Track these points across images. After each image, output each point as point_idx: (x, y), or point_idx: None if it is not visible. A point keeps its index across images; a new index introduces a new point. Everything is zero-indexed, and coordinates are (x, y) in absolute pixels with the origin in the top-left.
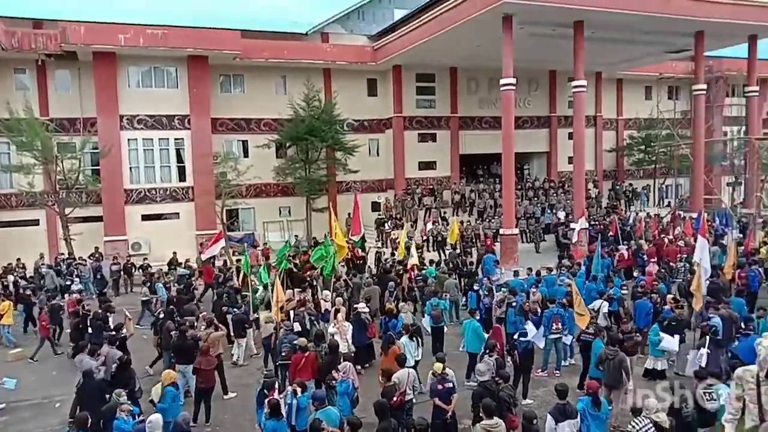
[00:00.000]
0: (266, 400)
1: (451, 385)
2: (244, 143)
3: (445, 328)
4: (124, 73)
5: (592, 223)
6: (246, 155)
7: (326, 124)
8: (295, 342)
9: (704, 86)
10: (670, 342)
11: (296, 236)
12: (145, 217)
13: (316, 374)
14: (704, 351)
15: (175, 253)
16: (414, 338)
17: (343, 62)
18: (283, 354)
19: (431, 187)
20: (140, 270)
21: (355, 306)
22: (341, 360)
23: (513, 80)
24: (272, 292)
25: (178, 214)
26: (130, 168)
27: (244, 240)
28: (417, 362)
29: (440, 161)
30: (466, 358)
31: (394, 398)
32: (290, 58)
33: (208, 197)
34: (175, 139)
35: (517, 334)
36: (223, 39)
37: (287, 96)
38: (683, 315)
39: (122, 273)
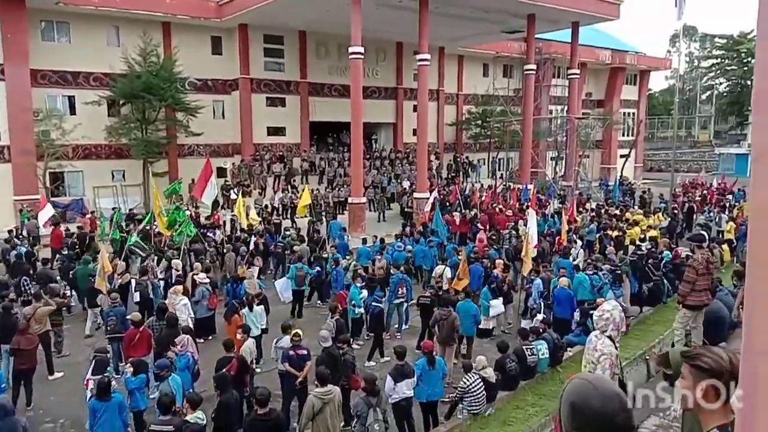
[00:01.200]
0: (94, 380)
1: (305, 352)
2: (71, 99)
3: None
4: None
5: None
6: (73, 112)
7: (165, 81)
8: (128, 317)
9: (534, 66)
10: (497, 307)
11: (114, 208)
12: None
13: (151, 350)
14: (540, 317)
15: None
16: (259, 307)
17: (184, 16)
18: (109, 328)
19: (281, 153)
20: None
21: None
22: (179, 333)
23: (361, 49)
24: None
25: None
26: None
27: (71, 206)
28: (264, 330)
29: (290, 127)
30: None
31: (230, 369)
32: (124, 8)
33: (27, 158)
34: None
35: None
36: None
37: (121, 49)
38: (509, 278)
39: None
